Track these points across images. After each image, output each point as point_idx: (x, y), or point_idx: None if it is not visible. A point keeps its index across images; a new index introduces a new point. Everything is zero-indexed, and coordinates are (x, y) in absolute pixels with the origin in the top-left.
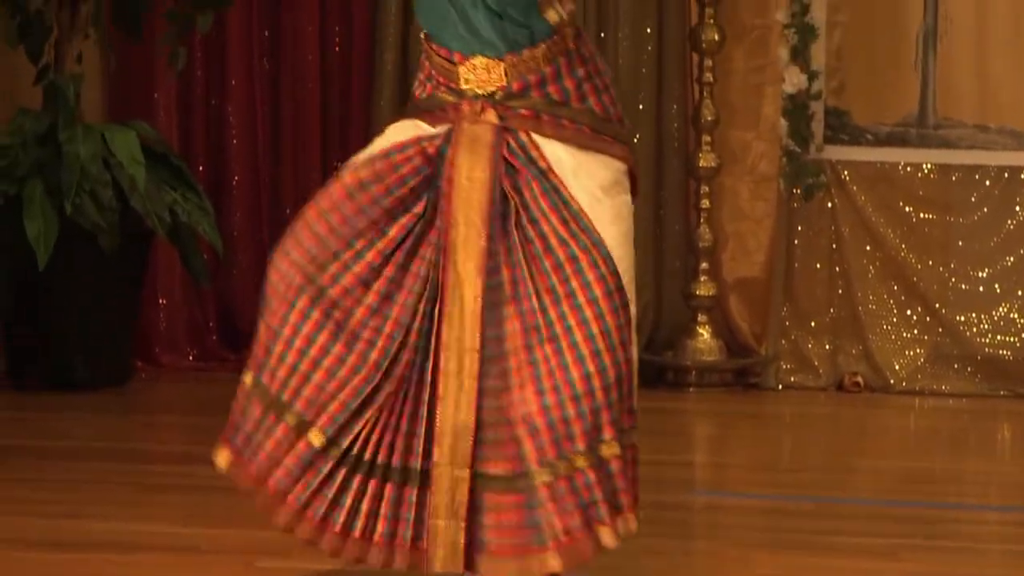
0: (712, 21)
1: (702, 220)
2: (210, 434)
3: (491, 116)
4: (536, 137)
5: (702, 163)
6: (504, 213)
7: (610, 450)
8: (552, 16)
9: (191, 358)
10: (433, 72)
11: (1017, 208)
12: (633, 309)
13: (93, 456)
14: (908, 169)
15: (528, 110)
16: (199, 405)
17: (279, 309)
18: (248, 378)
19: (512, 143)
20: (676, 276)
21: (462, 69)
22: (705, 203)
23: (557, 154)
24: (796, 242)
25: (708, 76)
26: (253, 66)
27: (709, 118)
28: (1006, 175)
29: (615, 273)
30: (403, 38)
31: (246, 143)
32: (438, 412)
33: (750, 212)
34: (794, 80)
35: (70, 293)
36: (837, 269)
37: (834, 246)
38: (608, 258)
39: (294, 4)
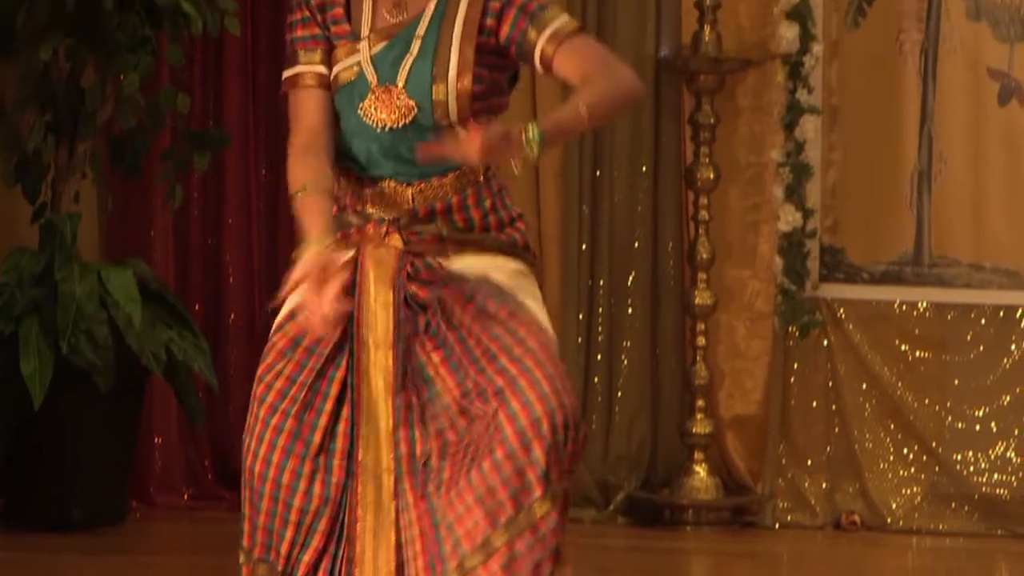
0: (707, 160)
1: (698, 358)
2: (207, 573)
3: (395, 240)
4: (440, 260)
5: (698, 301)
6: (414, 331)
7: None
8: None
9: (187, 497)
10: (340, 193)
11: (1013, 347)
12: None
13: None
14: (904, 307)
15: (432, 235)
16: (195, 545)
17: None
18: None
19: (417, 264)
20: (672, 413)
21: (369, 192)
22: (701, 341)
23: (464, 263)
24: (792, 380)
25: (703, 214)
26: (250, 205)
27: (705, 256)
28: (1001, 314)
29: (553, 342)
30: None
31: (242, 281)
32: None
33: (746, 350)
34: (789, 218)
35: (65, 432)
36: (833, 407)
37: (830, 384)
38: (542, 326)
39: None
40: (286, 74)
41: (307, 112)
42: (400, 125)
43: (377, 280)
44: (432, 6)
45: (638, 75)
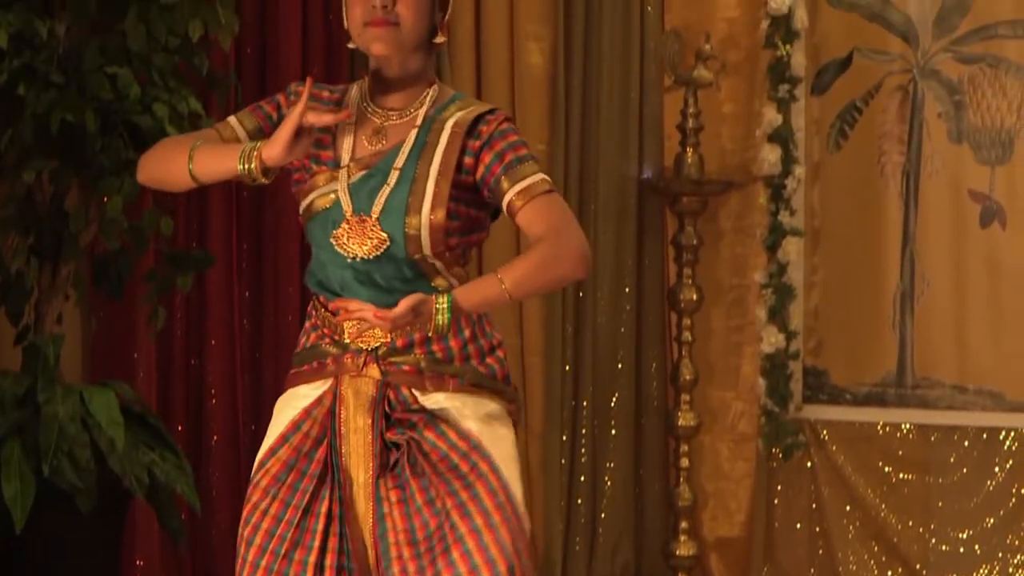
0: (690, 281)
1: (682, 479)
2: None
3: (373, 371)
4: (416, 392)
5: (681, 422)
6: (388, 463)
7: None
8: (441, 283)
9: None
10: (319, 323)
11: (996, 469)
12: (528, 526)
13: None
14: (887, 429)
15: (410, 366)
16: None
17: None
18: None
19: (393, 397)
20: (656, 535)
21: (347, 323)
22: (684, 462)
23: (439, 401)
24: (776, 501)
25: (687, 335)
26: (233, 325)
27: (688, 377)
28: (985, 436)
29: (511, 500)
30: None
31: (225, 402)
32: None
33: (730, 472)
34: (772, 340)
35: (48, 554)
36: (817, 529)
37: (814, 506)
38: (503, 482)
39: (277, 265)
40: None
41: (201, 134)
42: (372, 256)
43: (355, 410)
44: (412, 137)
45: (620, 193)
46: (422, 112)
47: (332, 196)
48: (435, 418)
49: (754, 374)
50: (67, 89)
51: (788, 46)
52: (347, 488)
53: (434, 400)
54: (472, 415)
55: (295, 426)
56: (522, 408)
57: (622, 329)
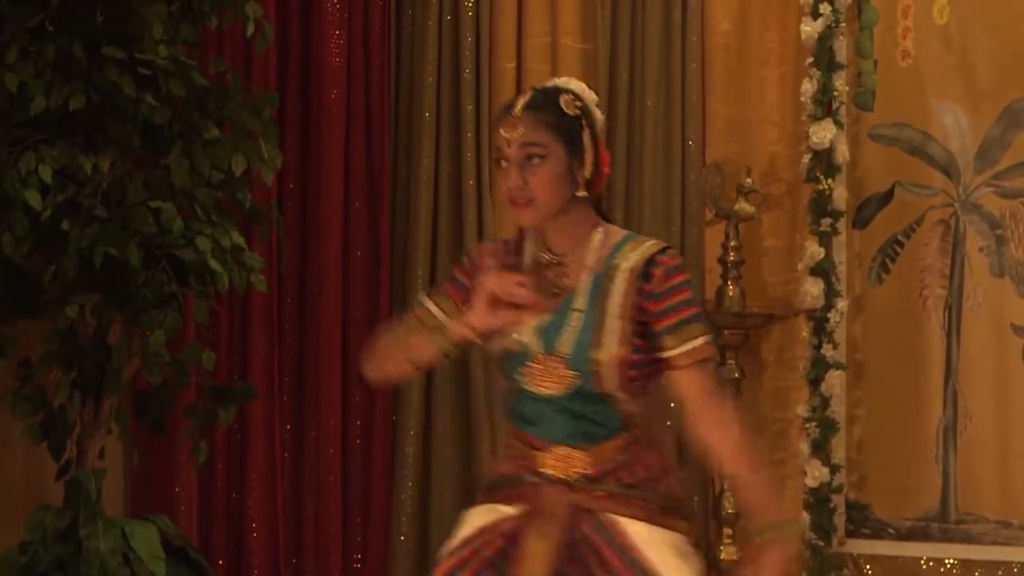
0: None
1: None
2: None
3: (566, 498)
4: (610, 516)
5: (723, 556)
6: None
7: None
8: (626, 408)
9: None
10: (517, 454)
11: None
12: None
13: None
14: (931, 564)
15: (604, 492)
16: None
17: None
18: None
19: (587, 524)
20: None
21: (544, 456)
22: None
23: (630, 527)
24: None
25: None
26: (274, 460)
27: (730, 511)
28: None
29: None
30: (424, 428)
31: (266, 536)
32: None
33: None
34: (816, 474)
35: None
36: None
37: None
38: None
39: (319, 398)
40: (423, 296)
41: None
42: (562, 393)
43: (541, 535)
44: (589, 281)
45: None
46: (594, 256)
47: (522, 337)
48: (622, 547)
49: (797, 508)
50: (110, 223)
51: (830, 180)
52: None
53: (625, 527)
54: (656, 547)
55: (480, 532)
56: (697, 523)
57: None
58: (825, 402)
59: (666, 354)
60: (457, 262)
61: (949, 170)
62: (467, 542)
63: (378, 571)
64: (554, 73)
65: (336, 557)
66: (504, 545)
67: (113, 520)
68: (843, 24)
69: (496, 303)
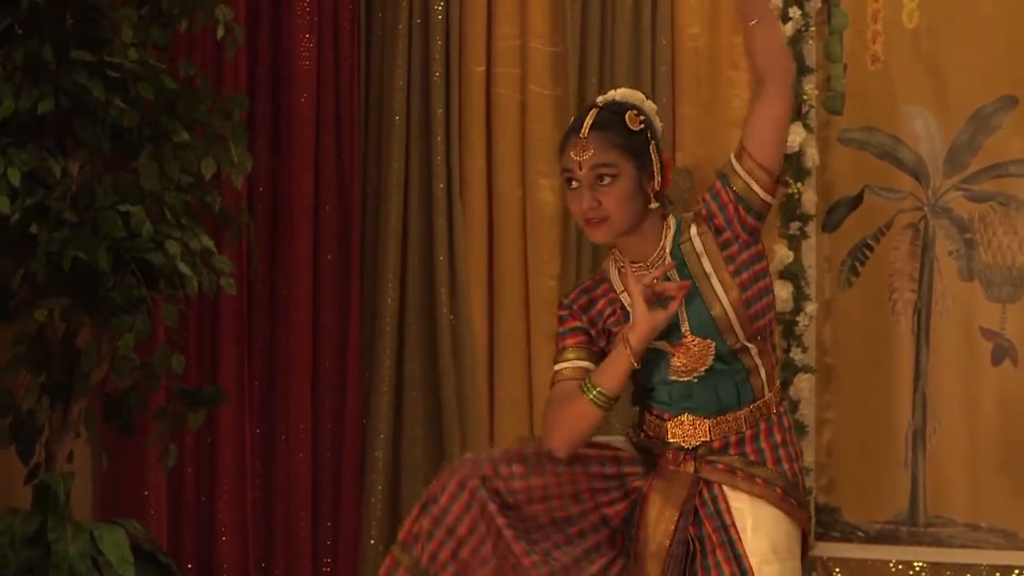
0: None
1: None
2: None
3: (690, 467)
4: (727, 490)
5: None
6: (681, 555)
7: None
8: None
9: None
10: (645, 426)
11: None
12: None
13: None
14: (899, 567)
15: (725, 465)
16: None
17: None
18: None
19: (704, 493)
20: None
21: (670, 425)
22: None
23: (742, 509)
24: None
25: None
26: (244, 463)
27: None
28: (997, 574)
29: None
30: (394, 432)
31: (236, 541)
32: None
33: None
34: None
35: None
36: None
37: None
38: None
39: (289, 402)
40: (558, 366)
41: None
42: (703, 369)
43: (664, 502)
44: (673, 267)
45: None
46: (668, 247)
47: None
48: (727, 537)
49: None
50: (80, 227)
51: (799, 184)
52: (634, 568)
53: (738, 508)
54: (772, 529)
55: (613, 454)
56: (812, 519)
57: None
58: (794, 406)
59: (735, 164)
60: (558, 321)
61: (919, 174)
62: (601, 444)
63: (348, 575)
64: (524, 76)
65: (306, 561)
66: (620, 493)
67: (82, 524)
68: (813, 28)
69: (651, 301)
